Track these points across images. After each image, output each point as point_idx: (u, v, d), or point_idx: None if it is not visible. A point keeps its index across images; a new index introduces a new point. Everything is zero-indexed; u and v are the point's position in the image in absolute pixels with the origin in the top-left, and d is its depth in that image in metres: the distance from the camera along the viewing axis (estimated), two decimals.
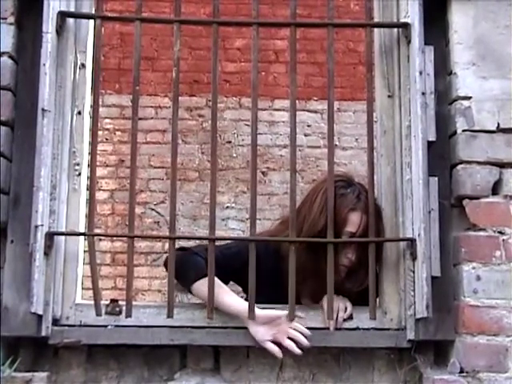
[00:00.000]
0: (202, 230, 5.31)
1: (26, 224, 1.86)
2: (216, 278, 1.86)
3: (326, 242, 1.86)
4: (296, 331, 1.83)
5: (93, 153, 1.90)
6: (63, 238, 1.91)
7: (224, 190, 5.43)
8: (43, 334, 1.84)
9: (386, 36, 2.03)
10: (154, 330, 1.90)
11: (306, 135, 5.56)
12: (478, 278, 1.85)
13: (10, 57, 1.92)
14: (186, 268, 1.92)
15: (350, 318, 1.93)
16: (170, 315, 1.83)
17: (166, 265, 1.94)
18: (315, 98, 5.57)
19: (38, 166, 1.85)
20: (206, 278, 1.82)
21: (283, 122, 5.53)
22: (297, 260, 1.87)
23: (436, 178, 1.92)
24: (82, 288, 2.00)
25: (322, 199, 1.95)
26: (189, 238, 5.56)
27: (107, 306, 1.91)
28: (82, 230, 1.96)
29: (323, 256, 1.84)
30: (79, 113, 1.98)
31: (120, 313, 1.90)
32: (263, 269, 1.92)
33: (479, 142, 1.90)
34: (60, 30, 1.93)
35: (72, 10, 1.96)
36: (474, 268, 1.85)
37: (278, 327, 1.84)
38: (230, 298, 1.90)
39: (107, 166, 5.47)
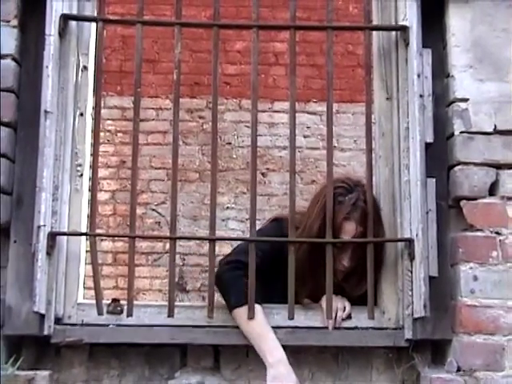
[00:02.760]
0: (203, 230, 5.31)
1: (29, 224, 1.86)
2: (264, 319, 1.87)
3: (324, 241, 1.86)
4: None
5: (95, 154, 1.90)
6: (65, 238, 1.91)
7: (224, 191, 5.43)
8: (45, 332, 1.85)
9: (385, 39, 2.04)
10: (155, 329, 1.90)
11: (305, 137, 5.56)
12: (475, 278, 1.85)
13: (13, 59, 1.93)
14: (227, 290, 1.92)
15: (349, 317, 1.93)
16: (170, 314, 1.84)
17: (216, 281, 1.92)
18: (314, 100, 5.58)
19: (41, 166, 1.85)
20: (245, 307, 1.84)
21: (283, 123, 5.53)
22: (298, 261, 1.88)
23: (434, 180, 1.92)
24: (84, 287, 2.00)
25: (320, 203, 1.96)
26: (189, 239, 5.59)
27: (109, 305, 1.92)
28: (83, 230, 1.96)
29: (322, 258, 1.85)
30: (81, 114, 1.98)
31: (121, 312, 1.91)
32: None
33: (476, 143, 1.90)
34: (63, 32, 1.93)
35: (74, 12, 1.96)
36: (471, 268, 1.86)
37: None
38: (267, 341, 1.86)
39: (109, 167, 5.48)
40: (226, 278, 1.93)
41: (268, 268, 1.97)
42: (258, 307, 1.88)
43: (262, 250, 1.95)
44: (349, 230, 1.94)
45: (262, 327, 1.87)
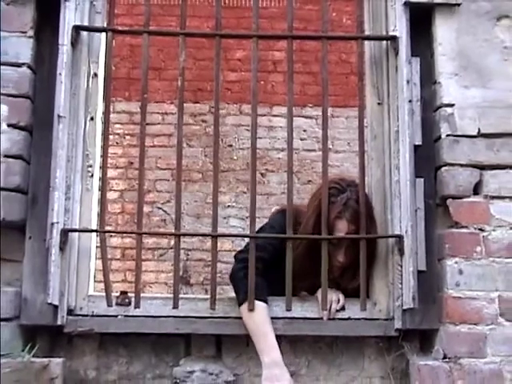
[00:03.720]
0: (205, 227, 5.31)
1: (43, 221, 1.87)
2: (267, 319, 1.86)
3: (320, 238, 1.87)
4: None
5: (104, 155, 1.91)
6: (77, 234, 1.92)
7: (225, 191, 5.43)
8: (59, 322, 1.86)
9: (376, 48, 2.04)
10: (161, 319, 1.91)
11: (301, 139, 5.56)
12: (460, 272, 1.86)
13: (29, 67, 1.93)
14: (235, 286, 1.94)
15: (343, 308, 1.94)
16: (175, 306, 1.84)
17: (230, 278, 1.95)
18: (310, 105, 5.57)
19: (54, 167, 1.86)
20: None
21: (281, 127, 5.53)
22: (298, 256, 1.88)
23: (422, 179, 1.93)
24: (95, 281, 2.01)
25: (315, 202, 1.96)
26: (193, 235, 5.58)
27: (117, 297, 1.92)
28: (94, 227, 1.97)
29: (320, 254, 1.86)
30: (92, 118, 1.99)
31: (129, 304, 1.91)
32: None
33: (461, 146, 1.91)
34: (75, 42, 1.93)
35: (86, 24, 1.97)
36: (456, 262, 1.86)
37: None
38: (266, 341, 1.86)
39: (117, 167, 5.47)
40: (235, 276, 1.94)
41: (277, 260, 1.97)
42: (263, 305, 1.88)
43: (272, 244, 1.97)
44: (341, 229, 1.94)
45: (264, 326, 1.87)
